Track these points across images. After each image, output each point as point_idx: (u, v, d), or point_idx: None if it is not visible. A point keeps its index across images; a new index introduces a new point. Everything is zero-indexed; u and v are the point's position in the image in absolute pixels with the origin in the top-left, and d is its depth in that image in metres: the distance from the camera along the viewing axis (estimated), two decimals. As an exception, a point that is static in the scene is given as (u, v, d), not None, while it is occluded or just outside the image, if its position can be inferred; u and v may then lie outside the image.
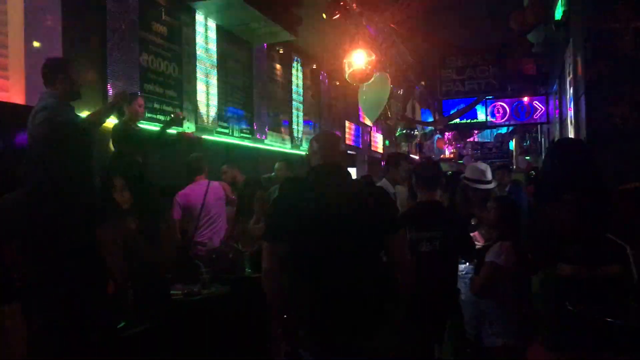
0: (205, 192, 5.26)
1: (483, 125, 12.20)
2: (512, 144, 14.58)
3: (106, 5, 5.71)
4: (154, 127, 5.99)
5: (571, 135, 5.48)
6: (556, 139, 7.34)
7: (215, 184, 5.42)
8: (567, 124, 6.02)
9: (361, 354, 2.49)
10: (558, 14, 5.67)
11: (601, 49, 4.33)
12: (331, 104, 12.65)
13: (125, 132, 4.88)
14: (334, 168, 2.74)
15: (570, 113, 5.55)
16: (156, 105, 6.48)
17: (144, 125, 5.54)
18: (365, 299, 2.55)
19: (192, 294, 3.99)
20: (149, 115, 6.24)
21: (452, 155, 19.28)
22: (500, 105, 9.97)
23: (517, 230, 3.91)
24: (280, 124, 10.13)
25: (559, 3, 5.66)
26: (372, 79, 8.48)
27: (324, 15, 6.75)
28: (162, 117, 6.50)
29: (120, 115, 5.00)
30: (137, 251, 3.68)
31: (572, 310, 2.48)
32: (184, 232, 5.16)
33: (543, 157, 11.46)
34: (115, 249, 3.49)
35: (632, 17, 4.26)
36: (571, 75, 5.35)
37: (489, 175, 5.12)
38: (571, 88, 5.39)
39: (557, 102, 7.18)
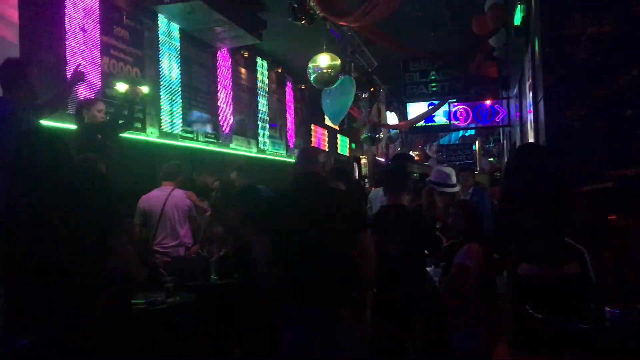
0: (166, 198, 5.21)
1: (446, 128, 12.36)
2: (476, 146, 14.82)
3: (65, 9, 5.60)
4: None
5: (531, 138, 5.58)
6: (517, 142, 7.48)
7: (178, 192, 5.36)
8: (527, 128, 6.14)
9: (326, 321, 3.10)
10: (517, 19, 5.77)
11: (558, 55, 4.42)
12: (297, 108, 12.65)
13: (86, 139, 4.78)
14: (310, 176, 3.39)
15: (530, 117, 5.66)
16: (118, 111, 6.37)
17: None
18: (334, 281, 3.15)
19: (155, 303, 3.92)
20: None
21: (417, 158, 19.48)
22: (463, 108, 10.12)
23: (481, 232, 4.00)
24: (245, 128, 10.08)
25: (518, 9, 5.77)
26: (337, 83, 8.53)
27: (292, 24, 6.74)
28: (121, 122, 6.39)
29: (79, 122, 4.90)
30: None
31: (532, 314, 2.53)
32: (146, 238, 5.10)
33: (505, 159, 11.67)
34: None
35: (587, 23, 4.37)
36: (530, 80, 5.46)
37: (454, 179, 5.20)
38: (530, 92, 5.49)
39: (518, 106, 7.32)
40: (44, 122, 4.63)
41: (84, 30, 5.84)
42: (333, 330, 3.14)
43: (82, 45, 5.80)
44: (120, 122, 5.18)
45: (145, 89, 5.50)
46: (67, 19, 5.62)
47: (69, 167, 2.64)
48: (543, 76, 4.58)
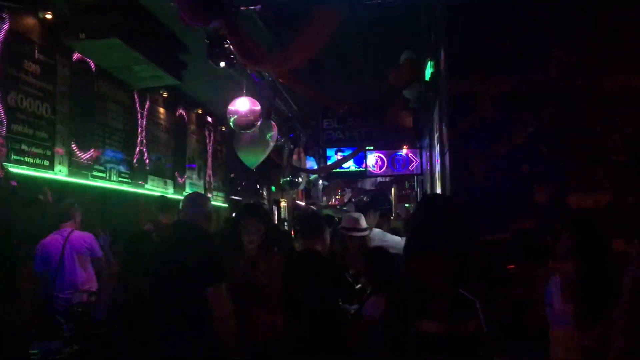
0: (65, 242, 4.99)
1: (363, 175, 12.64)
2: (392, 192, 15.22)
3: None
4: (21, 171, 5.65)
5: (439, 188, 5.82)
6: (428, 190, 7.76)
7: (78, 233, 5.14)
8: (436, 178, 6.40)
9: None
10: (427, 74, 6.09)
11: (463, 110, 4.68)
12: (216, 149, 12.58)
13: None
14: (181, 222, 3.59)
15: (438, 167, 5.91)
16: (24, 147, 6.11)
17: (11, 167, 5.19)
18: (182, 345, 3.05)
19: (50, 353, 3.71)
20: (16, 157, 5.88)
21: (337, 202, 19.74)
22: (379, 156, 10.42)
23: (392, 280, 4.04)
24: (162, 168, 9.90)
25: (428, 65, 6.08)
26: (257, 126, 8.57)
27: (213, 66, 6.76)
28: (30, 160, 6.14)
29: None
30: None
31: None
32: (44, 284, 4.84)
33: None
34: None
35: (490, 82, 4.66)
36: (438, 133, 5.72)
37: (363, 223, 5.30)
38: (438, 144, 5.76)
39: (428, 156, 7.62)
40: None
41: (-10, 63, 5.61)
42: None
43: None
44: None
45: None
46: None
47: None
48: (448, 130, 4.82)
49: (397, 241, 5.11)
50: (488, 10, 4.63)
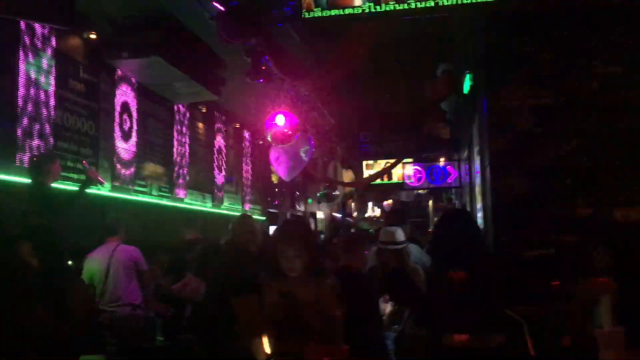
0: (111, 255, 5.11)
1: (400, 187, 12.57)
2: (429, 206, 15.12)
3: (19, 60, 5.57)
4: (67, 187, 5.81)
5: (479, 202, 5.76)
6: (467, 203, 7.68)
7: (124, 247, 5.26)
8: (475, 191, 6.33)
9: None
10: (465, 88, 6.05)
11: (503, 124, 4.64)
12: (254, 162, 12.70)
13: (41, 193, 4.71)
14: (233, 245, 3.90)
15: (478, 180, 5.86)
16: (70, 164, 6.29)
17: (57, 184, 5.37)
18: None
19: (95, 366, 3.79)
20: (62, 174, 6.05)
21: (374, 216, 19.68)
22: (416, 169, 10.36)
23: (419, 295, 3.99)
24: (201, 182, 10.04)
25: (467, 77, 6.04)
26: (294, 140, 8.64)
27: (248, 79, 6.86)
28: (75, 176, 6.31)
29: (37, 176, 4.83)
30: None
31: None
32: (91, 297, 4.96)
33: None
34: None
35: (530, 95, 4.62)
36: (478, 146, 5.67)
37: (400, 236, 5.27)
38: (478, 157, 5.70)
39: (468, 168, 7.55)
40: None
41: (37, 82, 5.80)
42: None
43: (35, 98, 5.76)
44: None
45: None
46: (21, 70, 5.58)
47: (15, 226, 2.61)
48: (489, 144, 4.77)
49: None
50: (528, 23, 4.59)
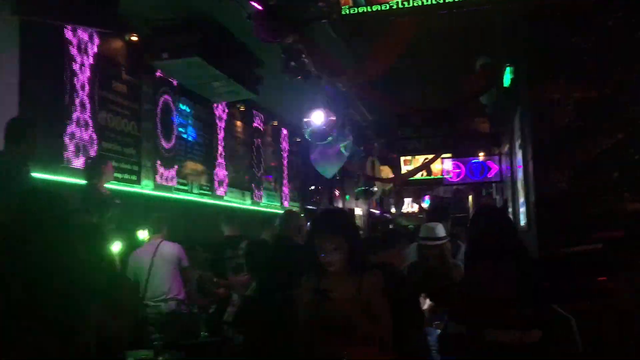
0: (155, 251, 5.22)
1: (439, 183, 12.46)
2: (470, 200, 14.93)
3: (65, 64, 5.73)
4: (111, 186, 5.95)
5: (522, 196, 5.66)
6: (509, 198, 7.56)
7: (167, 244, 5.36)
8: (517, 185, 6.22)
9: None
10: (506, 81, 5.94)
11: (546, 117, 4.55)
12: (291, 160, 12.76)
13: (94, 194, 4.86)
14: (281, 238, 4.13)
15: (520, 174, 5.75)
16: (114, 163, 6.42)
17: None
18: None
19: (141, 362, 3.87)
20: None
21: (412, 211, 19.56)
22: (456, 164, 10.24)
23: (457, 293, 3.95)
24: (240, 180, 10.15)
25: (507, 70, 5.94)
26: (332, 137, 8.65)
27: (287, 79, 6.89)
28: (119, 175, 6.47)
29: (92, 177, 4.98)
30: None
31: None
32: (136, 293, 5.08)
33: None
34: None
35: (572, 88, 4.51)
36: (520, 140, 5.58)
37: (440, 232, 5.23)
38: (520, 151, 5.60)
39: (509, 163, 7.43)
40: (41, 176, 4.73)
41: (83, 84, 5.96)
42: None
43: (80, 100, 5.91)
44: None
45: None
46: (66, 74, 5.74)
47: (69, 226, 2.69)
48: (531, 137, 4.69)
49: None
50: (571, 12, 4.48)
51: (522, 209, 5.61)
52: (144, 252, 5.28)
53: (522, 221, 5.55)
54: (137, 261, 5.24)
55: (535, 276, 2.76)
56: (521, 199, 5.76)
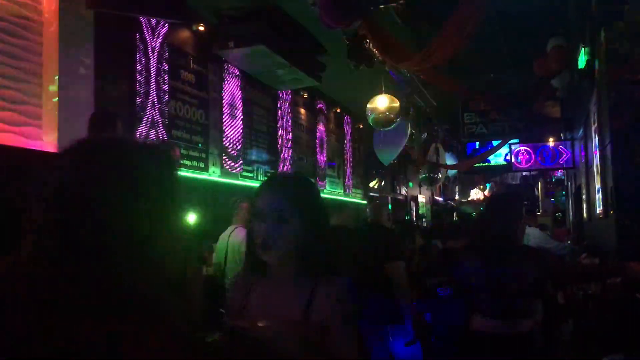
0: (229, 237, 5.33)
1: (507, 169, 12.11)
2: (539, 187, 14.45)
3: (136, 55, 5.89)
4: (181, 173, 6.09)
5: (597, 182, 5.42)
6: (582, 184, 7.26)
7: (240, 229, 5.44)
8: (593, 171, 5.96)
9: None
10: (581, 62, 5.68)
11: (626, 100, 4.32)
12: (354, 147, 12.73)
13: None
14: (373, 225, 4.92)
15: (597, 160, 5.51)
16: (183, 152, 6.60)
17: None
18: None
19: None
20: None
21: (477, 198, 19.18)
22: (525, 150, 9.91)
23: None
24: (304, 166, 10.21)
25: (582, 52, 5.68)
26: (396, 123, 8.56)
27: (351, 66, 6.85)
28: (188, 162, 6.63)
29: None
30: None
31: None
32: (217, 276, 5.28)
33: (570, 201, 11.30)
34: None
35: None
36: (596, 124, 5.33)
37: None
38: (597, 136, 5.36)
39: (583, 148, 7.13)
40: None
41: (153, 74, 6.12)
42: None
43: (150, 89, 6.08)
44: None
45: None
46: (137, 65, 5.90)
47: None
48: (610, 121, 4.47)
49: (555, 245, 4.93)
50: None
51: (599, 195, 5.38)
52: (222, 237, 5.44)
53: (598, 208, 5.31)
54: (218, 246, 5.42)
55: (542, 269, 2.75)
56: (597, 185, 5.52)
